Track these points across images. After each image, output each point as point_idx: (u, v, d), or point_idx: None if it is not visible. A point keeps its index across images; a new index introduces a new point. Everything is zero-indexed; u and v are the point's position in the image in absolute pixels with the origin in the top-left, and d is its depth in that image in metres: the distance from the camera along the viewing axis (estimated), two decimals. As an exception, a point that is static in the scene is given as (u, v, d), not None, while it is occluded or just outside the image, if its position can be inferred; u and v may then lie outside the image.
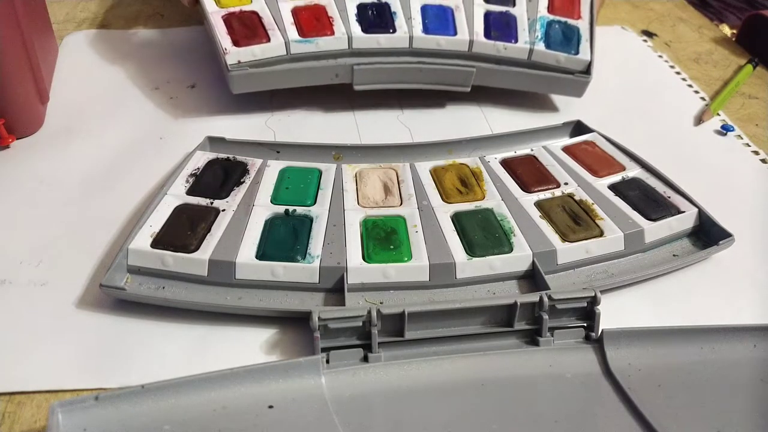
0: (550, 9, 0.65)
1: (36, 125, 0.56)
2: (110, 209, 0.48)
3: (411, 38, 0.60)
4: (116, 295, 0.41)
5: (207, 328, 0.41)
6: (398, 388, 0.36)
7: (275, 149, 0.52)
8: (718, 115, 0.65)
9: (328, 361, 0.37)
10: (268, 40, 0.57)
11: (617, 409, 0.36)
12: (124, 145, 0.55)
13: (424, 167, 0.51)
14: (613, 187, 0.50)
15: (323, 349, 0.37)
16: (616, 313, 0.42)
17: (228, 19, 0.58)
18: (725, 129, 0.62)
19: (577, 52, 0.62)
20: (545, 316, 0.39)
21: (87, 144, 0.55)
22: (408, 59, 0.60)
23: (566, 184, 0.50)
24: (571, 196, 0.49)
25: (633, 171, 0.52)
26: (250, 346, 0.40)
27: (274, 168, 0.50)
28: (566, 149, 0.54)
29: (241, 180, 0.48)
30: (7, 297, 0.42)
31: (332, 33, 0.58)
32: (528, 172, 0.51)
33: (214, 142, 0.52)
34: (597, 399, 0.36)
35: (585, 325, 0.40)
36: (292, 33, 0.58)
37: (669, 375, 0.38)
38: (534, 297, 0.39)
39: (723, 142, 0.61)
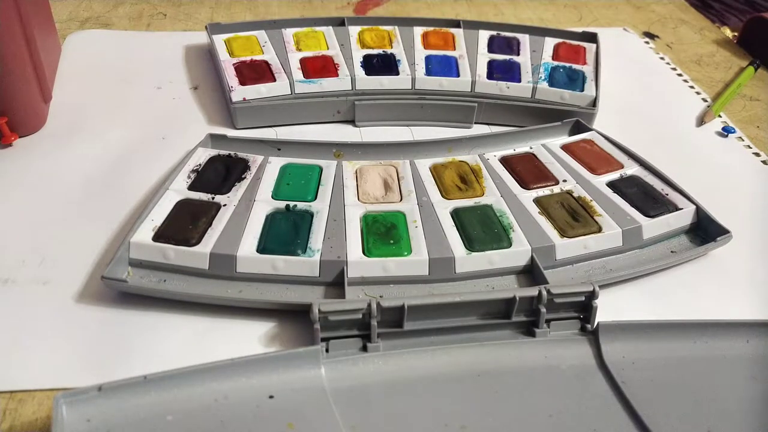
0: (555, 57, 0.66)
1: (39, 124, 0.56)
2: (112, 208, 0.49)
3: (413, 80, 0.61)
4: (118, 287, 0.41)
5: (208, 321, 0.41)
6: (396, 378, 0.36)
7: (276, 146, 0.52)
8: (720, 116, 0.65)
9: (327, 350, 0.37)
10: (274, 80, 0.59)
11: (609, 402, 0.36)
12: (127, 144, 0.55)
13: (424, 164, 0.51)
14: (611, 185, 0.50)
15: (323, 341, 0.37)
16: (613, 308, 0.43)
17: (239, 67, 0.61)
18: (726, 131, 0.62)
19: (582, 90, 0.62)
20: (543, 309, 0.39)
21: (89, 143, 0.55)
22: (410, 97, 0.61)
23: (565, 181, 0.50)
24: (569, 193, 0.49)
25: (631, 169, 0.52)
26: (250, 338, 0.40)
27: (275, 165, 0.50)
28: (565, 147, 0.54)
29: (243, 176, 0.49)
30: (9, 296, 0.42)
31: (336, 75, 0.60)
32: (527, 170, 0.51)
33: (215, 139, 0.52)
34: (590, 391, 0.37)
35: (581, 316, 0.40)
36: (298, 75, 0.60)
37: (661, 369, 0.38)
38: (533, 291, 0.39)
39: (724, 143, 0.62)
